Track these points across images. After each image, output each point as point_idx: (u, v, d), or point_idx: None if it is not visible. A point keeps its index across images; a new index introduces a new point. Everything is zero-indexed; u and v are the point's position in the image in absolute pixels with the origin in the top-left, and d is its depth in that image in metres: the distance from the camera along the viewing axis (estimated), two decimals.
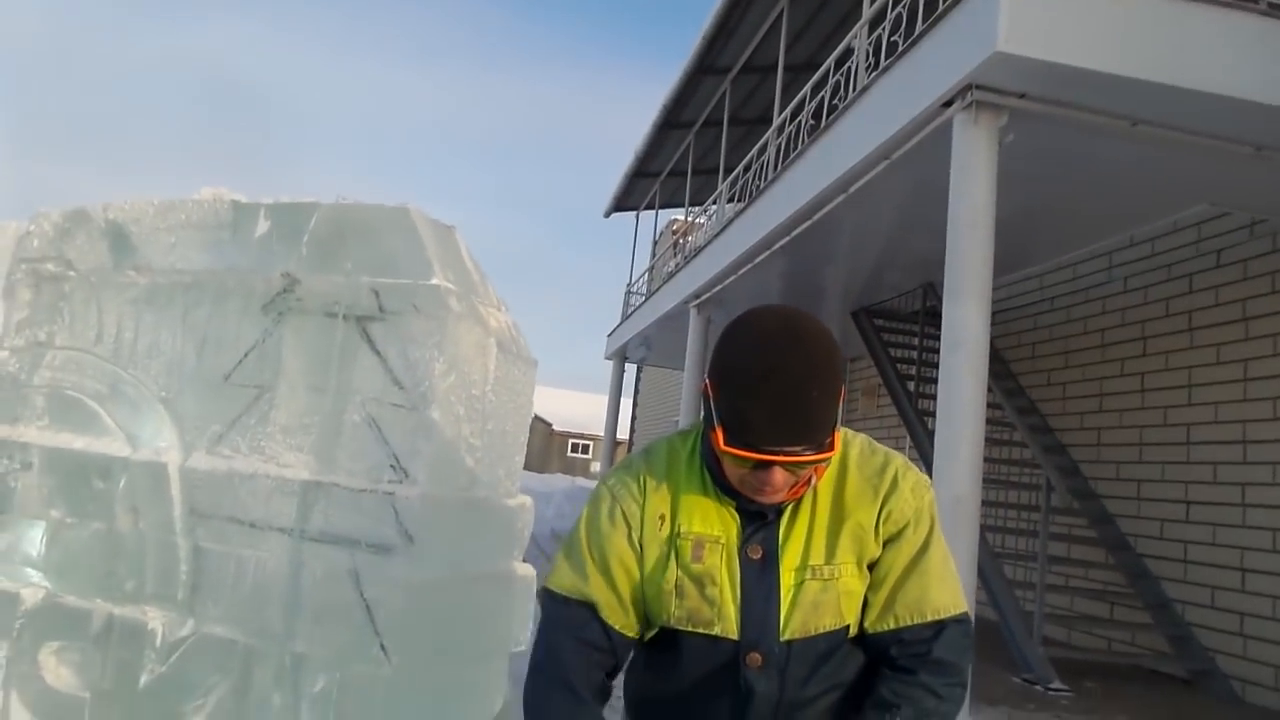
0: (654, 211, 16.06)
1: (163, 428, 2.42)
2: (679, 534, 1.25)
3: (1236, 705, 5.77)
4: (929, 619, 1.21)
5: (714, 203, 12.32)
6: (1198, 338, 6.48)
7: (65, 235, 2.59)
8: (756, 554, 1.22)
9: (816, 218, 6.65)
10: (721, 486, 1.24)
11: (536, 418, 38.31)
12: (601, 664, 1.26)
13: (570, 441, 42.02)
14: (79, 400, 2.57)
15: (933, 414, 5.50)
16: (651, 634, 1.29)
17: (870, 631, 1.23)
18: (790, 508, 1.24)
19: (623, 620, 1.27)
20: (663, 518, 1.26)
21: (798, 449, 1.09)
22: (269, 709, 2.14)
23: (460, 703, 2.21)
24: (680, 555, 1.24)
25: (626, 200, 16.34)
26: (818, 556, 1.22)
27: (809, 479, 1.19)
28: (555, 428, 41.84)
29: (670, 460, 1.30)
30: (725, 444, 1.11)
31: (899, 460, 1.30)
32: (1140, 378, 6.99)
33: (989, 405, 5.34)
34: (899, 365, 9.03)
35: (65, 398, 2.60)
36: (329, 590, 2.09)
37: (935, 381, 4.85)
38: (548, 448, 41.00)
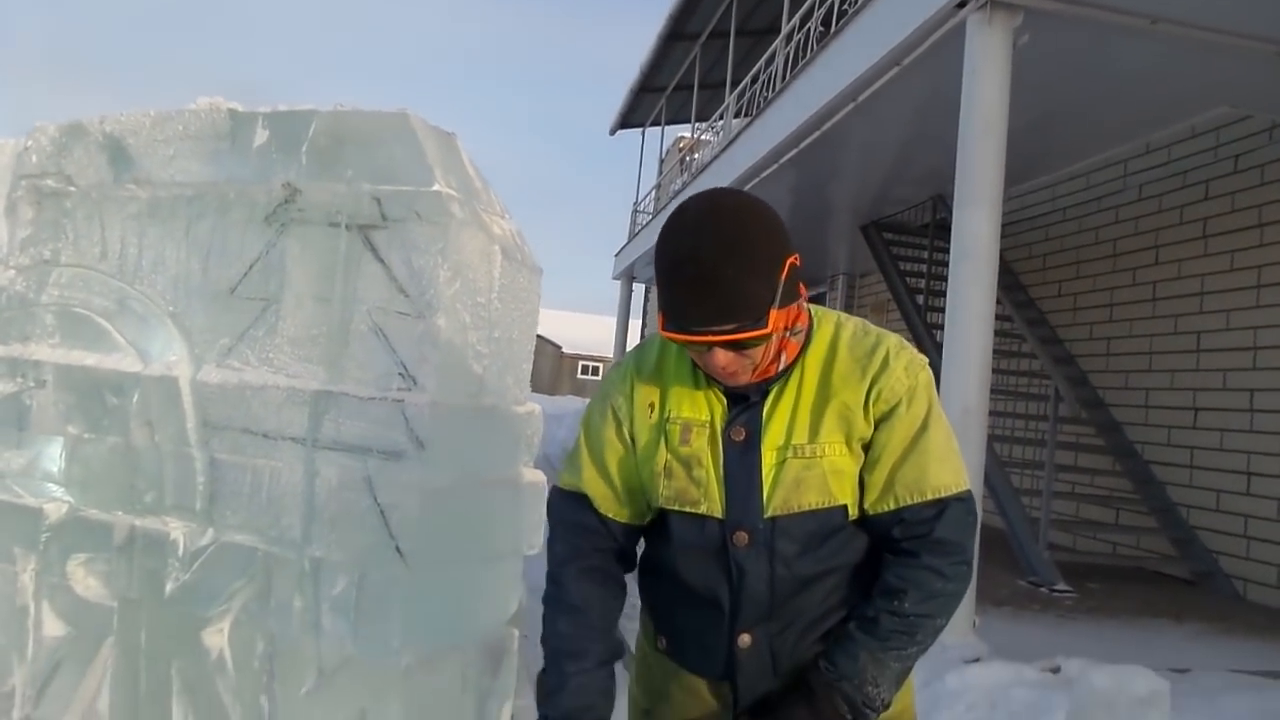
0: (660, 128, 15.78)
1: (172, 342, 2.43)
2: (668, 419, 1.28)
3: (1238, 603, 5.90)
4: (929, 498, 1.21)
5: (720, 118, 12.09)
6: (1211, 245, 6.41)
7: (63, 150, 2.56)
8: (739, 435, 1.24)
9: (825, 129, 6.53)
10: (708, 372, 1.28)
11: (546, 340, 38.41)
12: (601, 546, 1.33)
13: (580, 364, 42.21)
14: (87, 317, 2.58)
15: (941, 327, 5.49)
16: (650, 519, 1.33)
17: (871, 513, 1.24)
18: (776, 389, 1.26)
19: (616, 509, 1.33)
20: (652, 406, 1.30)
21: (725, 328, 1.11)
22: (290, 612, 2.21)
23: (477, 603, 2.27)
24: (669, 439, 1.28)
25: (632, 117, 16.05)
26: (800, 436, 1.23)
27: (774, 357, 1.20)
28: (565, 350, 41.99)
29: (661, 351, 1.34)
30: (663, 329, 1.16)
31: (892, 340, 1.29)
32: (1152, 286, 6.94)
33: (998, 318, 5.32)
34: (908, 279, 9.00)
35: (74, 315, 2.61)
36: (343, 496, 2.13)
37: (944, 294, 4.83)
38: (558, 371, 41.23)
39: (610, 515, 1.33)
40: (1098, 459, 7.11)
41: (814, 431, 1.22)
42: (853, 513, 1.24)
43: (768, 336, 1.15)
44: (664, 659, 1.32)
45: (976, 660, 3.69)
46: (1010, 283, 8.06)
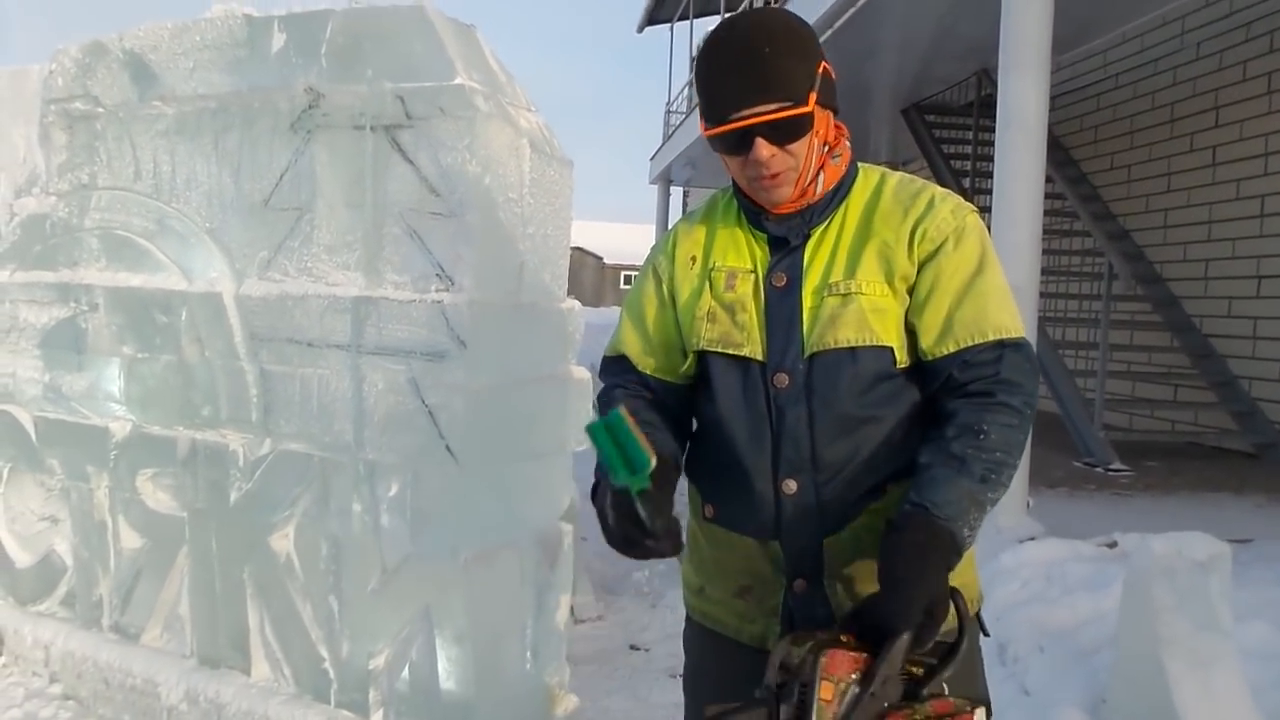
0: (689, 21, 15.24)
1: (212, 258, 2.45)
2: (712, 268, 1.29)
3: None
4: (990, 338, 1.18)
5: (751, 4, 11.62)
6: (1275, 101, 6.06)
7: (87, 71, 2.55)
8: (781, 281, 1.24)
9: (860, 5, 6.24)
10: (753, 222, 1.27)
11: (587, 253, 38.26)
12: (647, 397, 1.34)
13: (622, 274, 42.08)
14: (129, 239, 2.61)
15: (988, 209, 5.31)
16: (688, 373, 1.32)
17: (930, 358, 1.20)
18: (817, 234, 1.24)
19: (653, 364, 1.34)
20: (693, 259, 1.31)
21: (766, 107, 1.13)
22: (350, 515, 2.27)
23: (529, 500, 2.31)
24: (714, 286, 1.28)
25: (659, 12, 15.52)
26: (838, 274, 1.22)
27: (815, 174, 1.20)
28: (607, 261, 41.82)
29: (709, 207, 1.36)
30: (705, 131, 1.19)
31: (939, 189, 1.26)
32: (1211, 151, 6.62)
33: (1049, 196, 5.12)
34: (952, 162, 8.69)
35: (116, 237, 2.64)
36: (391, 400, 2.15)
37: (991, 176, 4.65)
38: (600, 282, 41.16)
39: (649, 372, 1.34)
40: (1154, 336, 6.93)
41: (851, 269, 1.21)
42: (900, 358, 1.21)
43: (810, 118, 1.15)
44: (712, 528, 1.31)
45: (1031, 539, 3.68)
46: (1061, 158, 7.75)
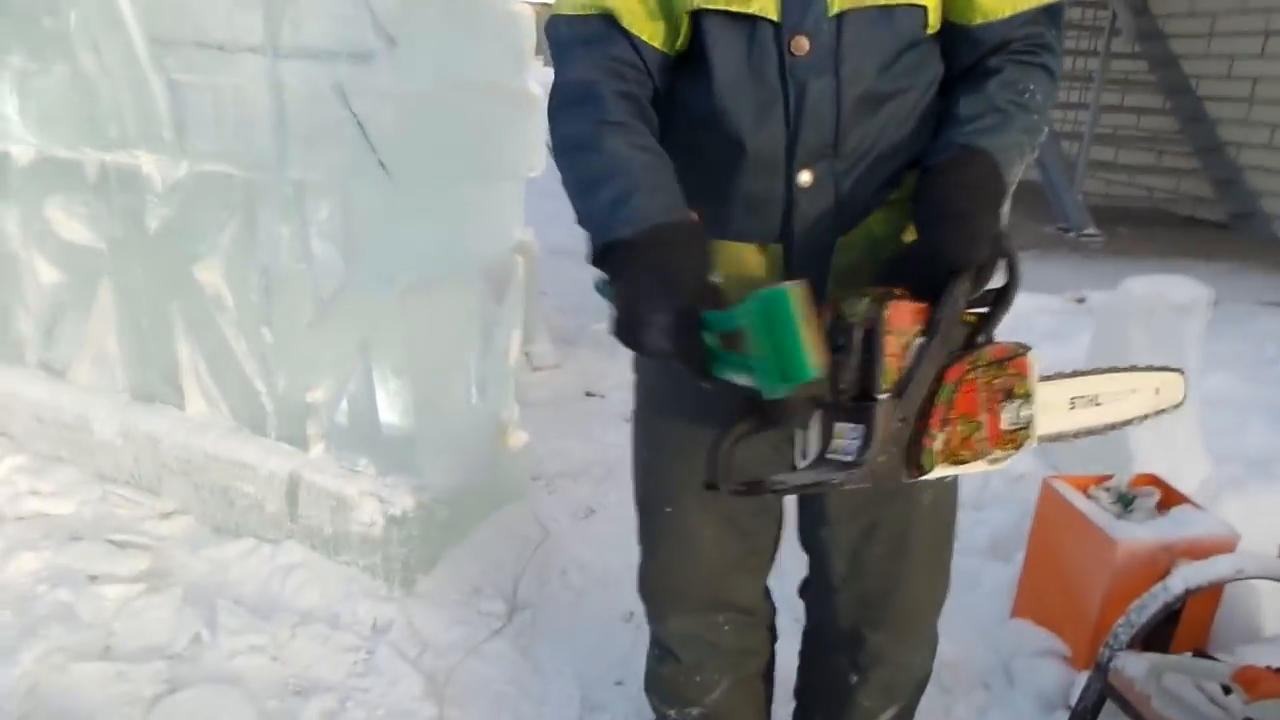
0: None
1: None
2: None
3: (1273, 244, 5.75)
4: (1044, 1, 1.02)
5: None
6: None
7: None
8: None
9: None
10: None
11: None
12: (640, 88, 1.05)
13: None
14: None
15: None
16: (681, 44, 1.05)
17: (985, 21, 1.02)
18: None
19: (650, 28, 1.03)
20: None
21: None
22: (279, 243, 2.09)
23: (474, 228, 2.12)
24: None
25: None
26: None
27: None
28: None
29: None
30: None
31: None
32: None
33: None
34: None
35: None
36: (315, 110, 1.91)
37: None
38: None
39: (643, 36, 1.03)
40: (1147, 98, 6.64)
41: None
42: (933, 22, 1.02)
43: None
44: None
45: None
46: None
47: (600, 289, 0.98)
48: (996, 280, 0.95)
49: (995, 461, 0.93)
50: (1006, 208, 1.03)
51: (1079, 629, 1.84)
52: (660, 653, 1.43)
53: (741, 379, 0.89)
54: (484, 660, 1.97)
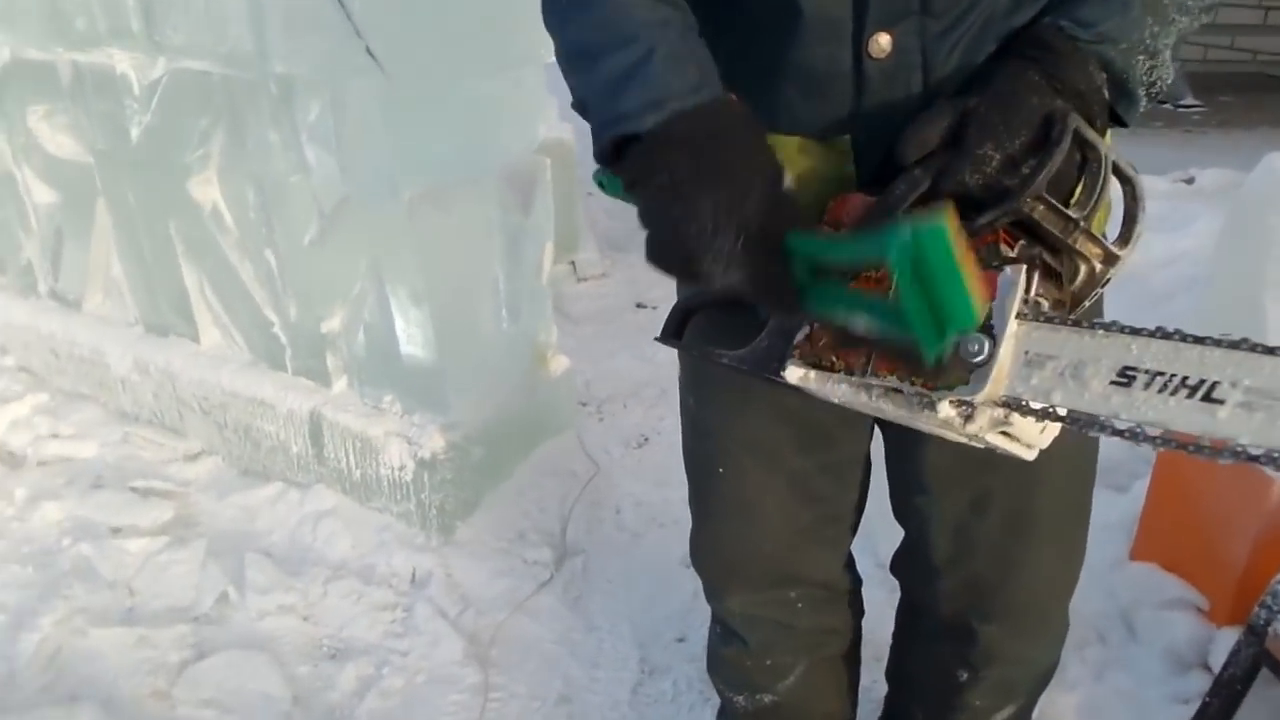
0: None
1: None
2: None
3: None
4: None
5: None
6: None
7: None
8: None
9: None
10: None
11: None
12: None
13: None
14: None
15: None
16: None
17: None
18: None
19: None
20: None
21: None
22: (269, 149, 1.82)
23: (489, 125, 1.82)
24: None
25: None
26: None
27: None
28: None
29: None
30: None
31: None
32: None
33: None
34: None
35: None
36: None
37: None
38: None
39: None
40: None
41: None
42: None
43: None
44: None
45: None
46: None
47: (604, 182, 0.73)
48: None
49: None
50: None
51: (1219, 578, 1.55)
52: (723, 631, 1.20)
53: (860, 321, 0.66)
54: (531, 617, 1.77)
